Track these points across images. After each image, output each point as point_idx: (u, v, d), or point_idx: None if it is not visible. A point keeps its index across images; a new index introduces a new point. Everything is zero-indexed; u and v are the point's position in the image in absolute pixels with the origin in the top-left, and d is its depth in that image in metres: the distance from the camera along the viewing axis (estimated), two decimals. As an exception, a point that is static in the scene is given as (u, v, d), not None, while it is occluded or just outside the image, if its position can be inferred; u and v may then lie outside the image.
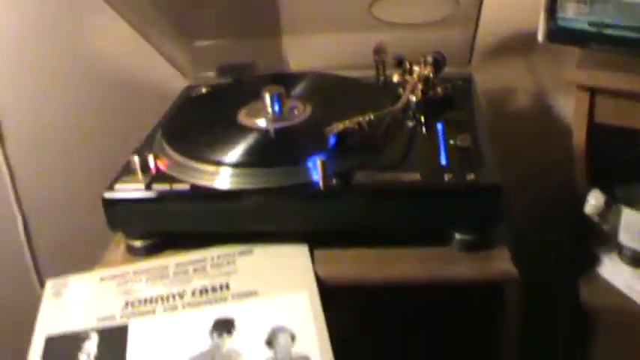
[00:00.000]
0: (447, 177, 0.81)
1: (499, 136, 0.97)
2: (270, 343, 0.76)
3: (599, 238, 0.96)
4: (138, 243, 0.88)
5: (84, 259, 0.90)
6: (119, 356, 0.78)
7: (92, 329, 0.81)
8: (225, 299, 0.81)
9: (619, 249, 0.94)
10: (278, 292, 0.81)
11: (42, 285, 1.18)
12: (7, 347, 1.23)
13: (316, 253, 0.84)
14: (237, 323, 0.78)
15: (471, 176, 0.81)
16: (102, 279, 0.87)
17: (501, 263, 0.81)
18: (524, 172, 1.18)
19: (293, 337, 0.76)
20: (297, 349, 0.75)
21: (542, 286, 1.03)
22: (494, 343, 0.83)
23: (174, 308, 0.81)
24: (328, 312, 0.78)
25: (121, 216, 0.87)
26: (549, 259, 1.05)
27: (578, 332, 0.93)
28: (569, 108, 1.08)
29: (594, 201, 0.92)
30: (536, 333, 1.02)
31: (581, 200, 0.94)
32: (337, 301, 0.80)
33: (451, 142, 0.87)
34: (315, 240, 0.85)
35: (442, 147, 0.86)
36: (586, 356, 0.94)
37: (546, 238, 1.12)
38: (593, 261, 0.95)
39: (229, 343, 0.77)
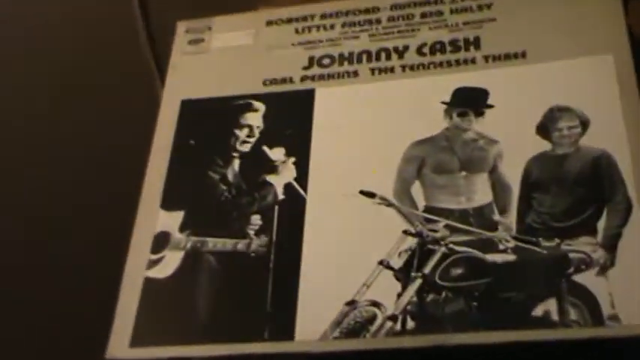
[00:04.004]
0: None
1: None
2: (545, 129, 0.53)
3: None
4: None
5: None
6: (303, 130, 0.57)
7: (255, 95, 0.60)
8: (472, 61, 0.58)
9: None
10: (561, 53, 0.56)
11: (149, 33, 0.86)
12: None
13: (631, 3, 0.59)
14: (490, 98, 0.55)
15: None
16: (269, 23, 0.64)
17: None
18: None
19: (584, 124, 0.53)
20: (590, 141, 0.52)
21: None
22: None
23: (388, 71, 0.59)
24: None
25: None
26: None
27: None
28: None
29: None
30: None
31: None
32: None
33: None
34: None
35: None
36: None
37: None
38: None
39: (476, 126, 0.54)
